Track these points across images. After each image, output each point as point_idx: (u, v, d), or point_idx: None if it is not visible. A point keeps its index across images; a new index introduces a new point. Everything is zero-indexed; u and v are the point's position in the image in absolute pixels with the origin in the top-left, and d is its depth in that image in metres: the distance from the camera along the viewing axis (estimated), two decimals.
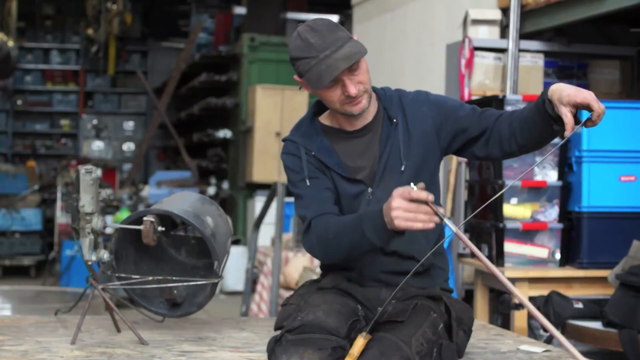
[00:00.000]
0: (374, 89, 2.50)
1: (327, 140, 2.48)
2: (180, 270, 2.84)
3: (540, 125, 2.31)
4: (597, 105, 2.19)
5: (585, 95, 2.19)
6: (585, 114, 2.24)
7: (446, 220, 2.12)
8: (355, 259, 2.42)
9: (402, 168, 2.43)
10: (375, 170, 2.44)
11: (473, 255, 4.34)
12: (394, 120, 2.46)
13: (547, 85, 5.44)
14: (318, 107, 2.56)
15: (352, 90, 2.34)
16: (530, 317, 3.95)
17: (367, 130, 2.48)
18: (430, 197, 2.11)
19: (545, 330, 3.65)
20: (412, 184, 2.14)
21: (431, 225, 2.13)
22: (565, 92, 2.21)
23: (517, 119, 2.39)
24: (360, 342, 2.19)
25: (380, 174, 2.44)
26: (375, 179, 2.44)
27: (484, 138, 2.46)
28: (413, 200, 2.12)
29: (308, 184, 2.43)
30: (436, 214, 2.12)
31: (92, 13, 13.00)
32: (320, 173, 2.46)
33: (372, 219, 2.23)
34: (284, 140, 2.54)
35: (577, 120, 2.23)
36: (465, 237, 2.14)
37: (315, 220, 2.39)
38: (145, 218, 2.58)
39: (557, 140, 2.40)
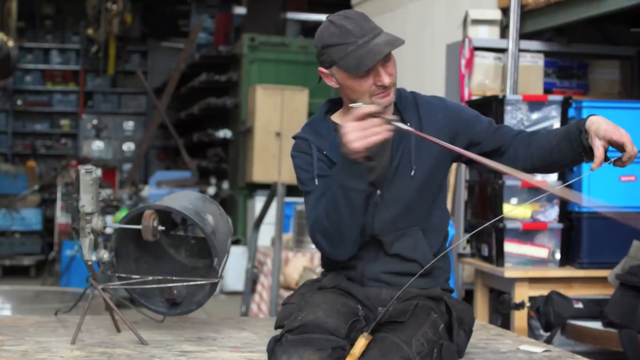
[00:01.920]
0: None
1: (339, 138, 2.47)
2: (180, 270, 2.84)
3: (566, 152, 2.31)
4: (631, 147, 2.18)
5: (622, 134, 2.19)
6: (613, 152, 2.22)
7: (398, 124, 2.17)
8: (358, 224, 2.34)
9: (412, 173, 2.42)
10: (386, 173, 2.43)
11: (473, 255, 4.34)
12: (407, 124, 2.45)
13: (547, 86, 5.43)
14: (330, 106, 2.54)
15: (386, 79, 2.33)
16: (531, 317, 3.95)
17: None
18: (374, 107, 2.16)
19: (547, 329, 3.66)
20: (355, 103, 2.18)
21: (387, 134, 2.16)
22: (603, 127, 2.21)
23: (538, 141, 2.38)
24: (361, 343, 2.19)
25: (390, 177, 2.43)
26: (385, 182, 2.43)
27: (498, 154, 2.45)
28: (361, 119, 2.15)
29: (317, 182, 2.42)
30: (388, 121, 2.16)
31: (92, 13, 12.98)
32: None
33: (339, 168, 2.27)
34: (294, 137, 2.52)
35: (606, 157, 2.21)
36: (423, 134, 2.22)
37: (315, 218, 2.39)
38: (145, 212, 2.58)
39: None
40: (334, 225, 2.32)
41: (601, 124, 2.21)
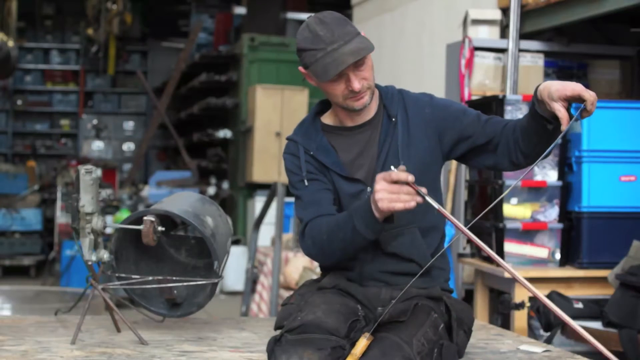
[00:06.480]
0: (377, 87, 2.50)
1: (326, 139, 2.49)
2: (180, 270, 2.84)
3: (536, 129, 2.30)
4: (588, 94, 2.17)
5: (573, 87, 2.18)
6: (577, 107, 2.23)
7: (428, 199, 2.18)
8: (351, 257, 2.42)
9: None
10: (374, 169, 2.44)
11: (473, 255, 4.34)
12: (393, 119, 2.46)
13: None
14: (321, 107, 2.57)
15: (356, 85, 2.35)
16: (531, 316, 3.95)
17: (367, 127, 2.48)
18: (411, 177, 2.16)
19: (547, 329, 3.66)
20: (392, 167, 2.19)
21: (412, 204, 2.17)
22: (553, 88, 2.20)
23: (519, 127, 2.38)
24: (363, 343, 2.19)
25: (377, 173, 2.43)
26: (374, 179, 2.43)
27: (491, 147, 2.44)
28: (395, 182, 2.16)
29: (306, 184, 2.45)
30: (418, 193, 2.17)
31: (92, 13, 12.99)
32: (320, 174, 2.47)
33: (361, 211, 2.26)
34: (287, 138, 2.56)
35: (570, 115, 2.22)
36: (453, 218, 2.20)
37: (311, 223, 2.41)
38: (145, 218, 2.59)
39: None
40: (331, 245, 2.37)
41: (550, 87, 2.21)
